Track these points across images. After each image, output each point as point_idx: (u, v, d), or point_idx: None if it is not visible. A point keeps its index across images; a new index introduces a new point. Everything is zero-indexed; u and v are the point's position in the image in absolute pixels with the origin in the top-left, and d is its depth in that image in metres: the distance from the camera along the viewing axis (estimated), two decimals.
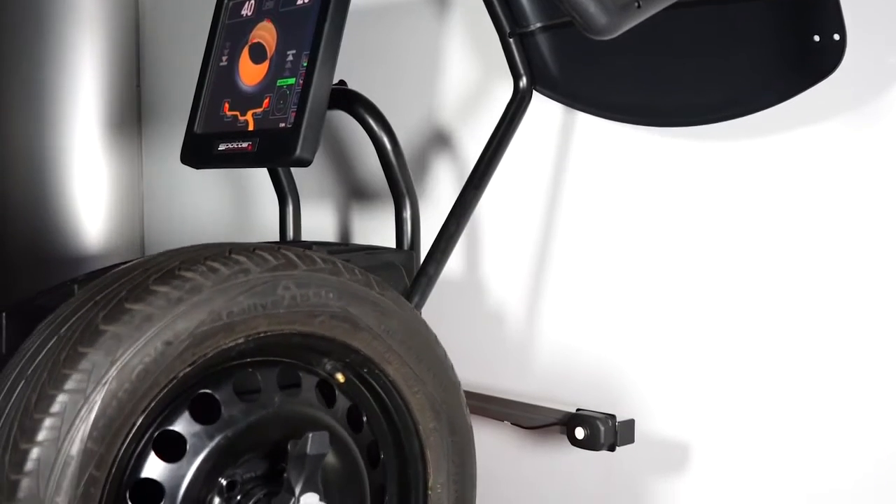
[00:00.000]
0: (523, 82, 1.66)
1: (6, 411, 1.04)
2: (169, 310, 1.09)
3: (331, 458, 1.23)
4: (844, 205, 1.44)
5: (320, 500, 1.18)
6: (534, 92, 1.68)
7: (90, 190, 2.60)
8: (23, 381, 1.05)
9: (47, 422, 1.02)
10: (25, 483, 1.01)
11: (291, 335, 1.22)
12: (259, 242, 1.26)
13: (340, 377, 1.31)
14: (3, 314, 1.53)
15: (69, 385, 1.03)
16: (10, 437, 1.02)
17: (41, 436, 1.02)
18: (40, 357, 1.06)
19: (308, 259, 1.21)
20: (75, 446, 1.03)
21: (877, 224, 1.41)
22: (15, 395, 1.05)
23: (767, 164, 1.52)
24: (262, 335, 1.18)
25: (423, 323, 1.35)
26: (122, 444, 1.08)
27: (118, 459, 1.09)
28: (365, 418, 1.35)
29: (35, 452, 1.01)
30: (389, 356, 1.30)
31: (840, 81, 1.37)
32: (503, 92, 1.73)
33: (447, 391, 1.37)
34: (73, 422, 1.03)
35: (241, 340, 1.16)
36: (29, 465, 1.01)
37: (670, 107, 1.57)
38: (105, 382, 1.04)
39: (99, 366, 1.04)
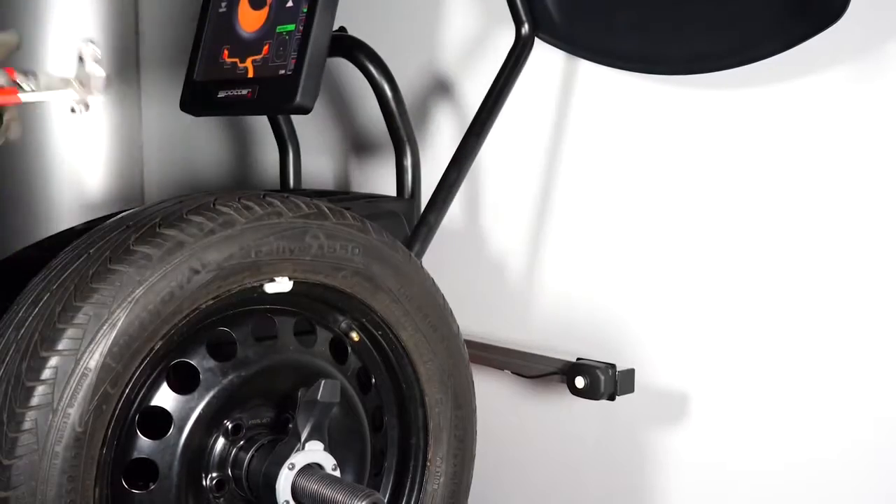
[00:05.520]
0: (525, 29, 1.65)
1: (28, 321, 1.05)
2: (201, 238, 1.11)
3: (337, 414, 1.24)
4: (848, 156, 1.43)
5: (324, 449, 1.19)
6: (536, 39, 1.67)
7: (88, 138, 2.58)
8: (48, 294, 1.06)
9: (69, 332, 1.03)
10: (41, 390, 1.02)
11: (314, 285, 1.23)
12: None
13: (355, 336, 1.33)
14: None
15: (95, 299, 1.04)
16: (31, 345, 1.03)
17: (61, 345, 1.03)
18: (68, 272, 1.07)
19: (339, 213, 1.23)
20: (94, 360, 1.04)
21: (879, 176, 1.41)
22: (39, 305, 1.06)
23: (771, 112, 1.51)
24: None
25: (441, 294, 1.36)
26: (139, 366, 1.10)
27: (133, 381, 1.10)
28: (373, 381, 1.36)
29: (54, 361, 1.02)
30: (405, 321, 1.31)
31: (845, 29, 1.35)
32: (505, 39, 1.72)
33: (457, 365, 1.38)
34: (94, 335, 1.04)
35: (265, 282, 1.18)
36: (46, 373, 1.02)
37: (674, 54, 1.56)
38: (131, 301, 1.06)
39: (126, 284, 1.06)
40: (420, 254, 1.53)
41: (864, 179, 1.42)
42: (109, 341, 1.05)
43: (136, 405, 1.14)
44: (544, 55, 1.72)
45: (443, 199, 1.57)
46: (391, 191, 1.72)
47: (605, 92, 1.70)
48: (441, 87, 1.93)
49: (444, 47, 1.93)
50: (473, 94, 1.86)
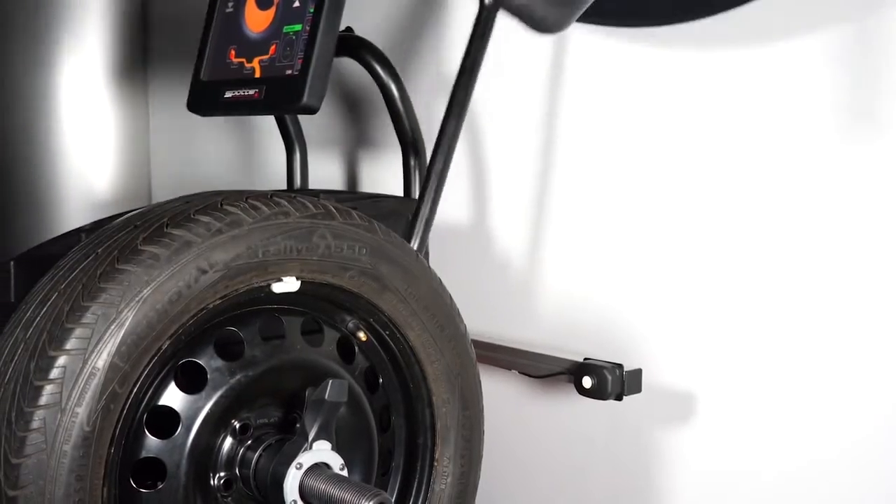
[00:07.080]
0: None
1: (36, 320, 1.06)
2: (208, 238, 1.11)
3: (345, 413, 1.24)
4: (841, 130, 1.42)
5: (332, 449, 1.19)
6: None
7: (96, 138, 2.59)
8: (56, 293, 1.07)
9: (77, 331, 1.03)
10: (49, 389, 1.02)
11: (321, 285, 1.23)
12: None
13: (363, 336, 1.33)
14: (11, 263, 1.53)
15: (103, 298, 1.05)
16: (39, 344, 1.03)
17: (70, 345, 1.03)
18: (76, 271, 1.08)
19: (346, 213, 1.23)
20: (102, 359, 1.04)
21: (885, 172, 1.40)
22: (47, 305, 1.06)
23: (779, 109, 1.50)
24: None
25: (449, 294, 1.36)
26: (147, 365, 1.10)
27: (140, 381, 1.10)
28: (380, 381, 1.36)
29: (62, 360, 1.03)
30: (412, 321, 1.31)
31: None
32: (509, 39, 1.71)
33: (464, 365, 1.38)
34: (102, 335, 1.04)
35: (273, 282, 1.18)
36: (54, 373, 1.02)
37: (655, 3, 1.52)
38: (139, 300, 1.06)
39: (134, 283, 1.06)
40: (420, 248, 1.52)
41: (868, 178, 1.42)
42: (117, 341, 1.05)
43: (143, 404, 1.14)
44: (539, 53, 1.72)
45: (434, 189, 1.54)
46: (398, 191, 1.72)
47: (605, 92, 1.69)
48: (448, 88, 1.93)
49: (451, 47, 1.93)
50: (480, 93, 1.86)
